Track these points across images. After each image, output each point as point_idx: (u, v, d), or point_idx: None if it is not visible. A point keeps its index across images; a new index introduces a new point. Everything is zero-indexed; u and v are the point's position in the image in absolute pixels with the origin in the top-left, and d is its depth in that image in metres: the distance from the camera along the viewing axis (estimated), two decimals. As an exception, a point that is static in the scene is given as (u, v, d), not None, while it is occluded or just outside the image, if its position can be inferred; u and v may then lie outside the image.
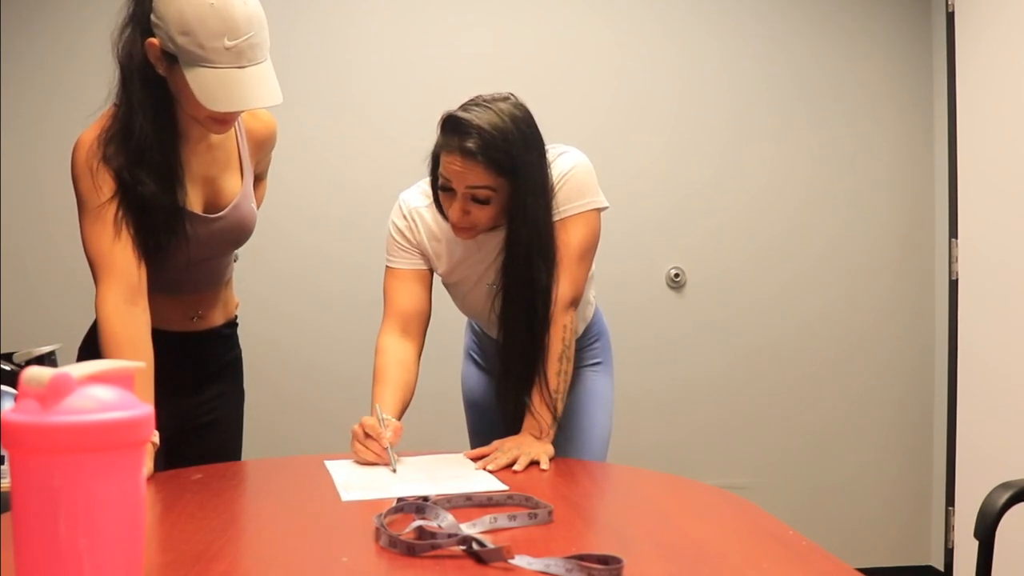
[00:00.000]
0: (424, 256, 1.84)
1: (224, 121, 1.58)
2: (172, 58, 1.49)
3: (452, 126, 1.65)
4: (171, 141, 1.59)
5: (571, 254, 1.77)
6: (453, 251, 1.82)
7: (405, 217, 1.83)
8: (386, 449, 1.60)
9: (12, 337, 2.89)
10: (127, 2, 1.55)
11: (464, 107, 1.67)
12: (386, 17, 3.32)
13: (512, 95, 1.71)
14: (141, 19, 1.51)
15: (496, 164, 1.63)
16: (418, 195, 1.85)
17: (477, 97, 1.69)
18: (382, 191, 3.15)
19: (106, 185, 1.55)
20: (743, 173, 3.44)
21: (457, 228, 1.72)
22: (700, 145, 3.42)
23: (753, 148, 3.44)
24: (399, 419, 1.69)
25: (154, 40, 1.49)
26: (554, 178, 1.75)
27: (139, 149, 1.55)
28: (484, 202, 1.67)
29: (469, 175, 1.64)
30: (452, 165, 1.64)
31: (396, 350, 1.79)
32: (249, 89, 1.50)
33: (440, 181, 1.69)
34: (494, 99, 1.68)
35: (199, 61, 1.46)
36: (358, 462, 1.63)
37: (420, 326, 1.83)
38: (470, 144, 1.61)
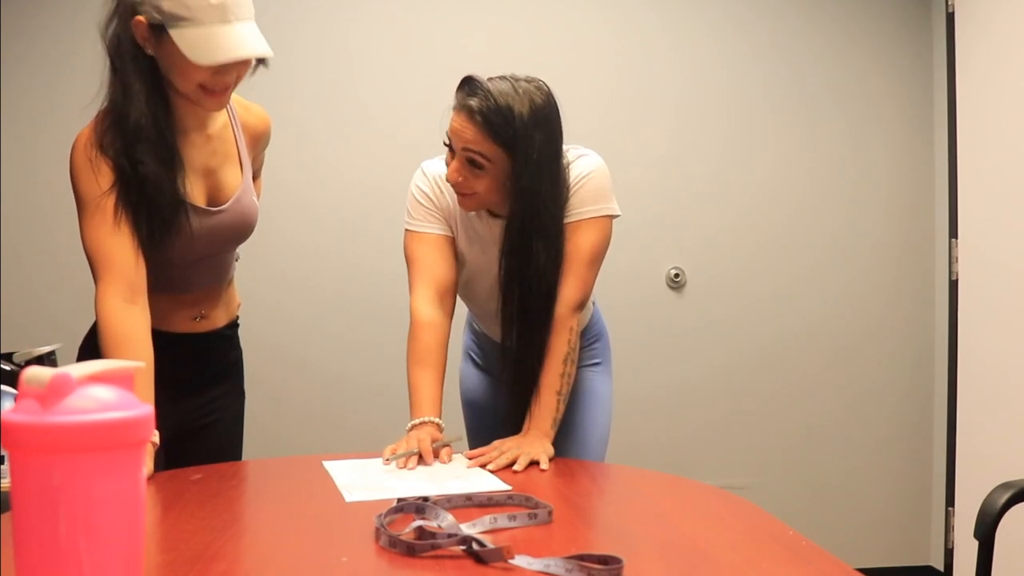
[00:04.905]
0: (448, 222, 1.83)
1: (215, 92, 1.56)
2: (159, 29, 1.50)
3: (464, 84, 1.68)
4: (166, 122, 1.58)
5: (582, 257, 1.77)
6: (467, 227, 1.82)
7: (429, 181, 1.82)
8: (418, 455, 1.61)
9: (12, 337, 2.89)
10: None
11: (488, 76, 1.68)
12: (387, 17, 3.32)
13: (542, 82, 1.70)
14: (125, 5, 1.53)
15: (492, 129, 1.63)
16: (441, 164, 1.82)
17: (503, 74, 1.69)
18: (383, 191, 3.16)
19: (104, 175, 1.55)
20: (743, 173, 3.44)
21: (457, 193, 1.73)
22: (700, 145, 3.42)
23: (753, 148, 3.44)
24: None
25: (140, 17, 1.50)
26: (571, 180, 1.75)
27: (136, 129, 1.54)
28: (479, 168, 1.67)
29: (465, 133, 1.65)
30: (454, 122, 1.67)
31: (437, 327, 1.76)
32: (237, 42, 1.50)
33: (444, 138, 1.71)
34: (517, 78, 1.69)
35: (185, 21, 1.47)
36: (393, 453, 1.65)
37: (452, 296, 1.82)
38: (472, 102, 1.64)
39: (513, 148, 1.65)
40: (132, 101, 1.54)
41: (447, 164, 1.75)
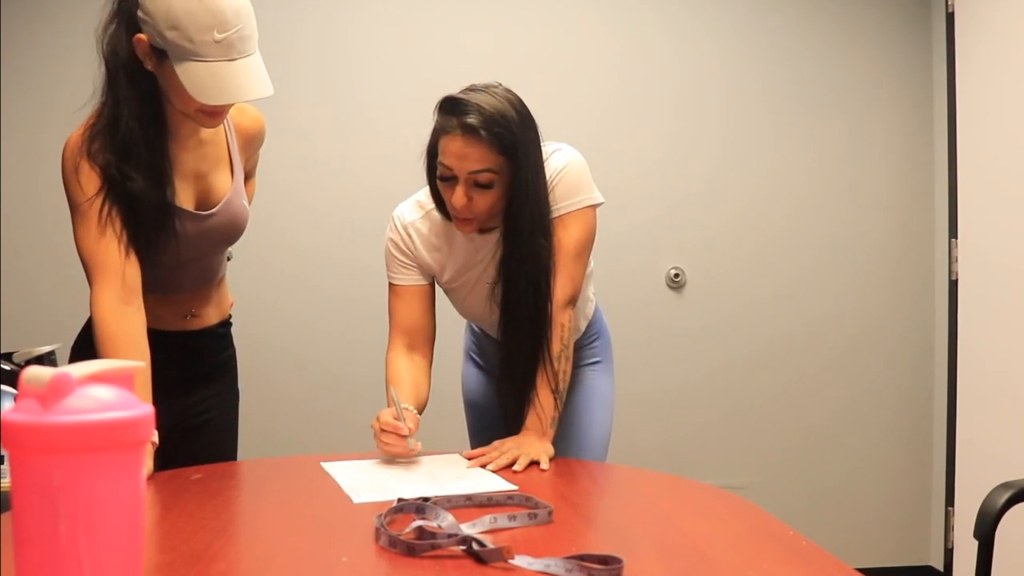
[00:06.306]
0: (423, 270, 1.83)
1: (214, 114, 1.57)
2: (161, 53, 1.49)
3: (451, 106, 1.64)
4: (158, 136, 1.58)
5: (567, 252, 1.76)
6: (456, 257, 1.82)
7: (400, 232, 1.82)
8: (404, 438, 1.62)
9: (12, 337, 2.89)
10: None
11: (461, 92, 1.67)
12: (386, 17, 3.32)
13: (500, 83, 1.70)
14: (127, 15, 1.51)
15: (498, 141, 1.61)
16: (412, 208, 1.84)
17: (470, 85, 1.68)
18: (380, 191, 3.16)
19: (91, 182, 1.55)
20: (743, 173, 3.44)
21: (459, 220, 1.70)
22: (700, 145, 3.42)
23: (753, 148, 3.44)
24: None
25: (142, 36, 1.49)
26: (548, 176, 1.75)
27: (125, 144, 1.54)
28: (487, 187, 1.65)
29: (471, 154, 1.62)
30: (453, 146, 1.62)
31: (404, 360, 1.81)
32: (240, 82, 1.49)
33: (439, 170, 1.67)
34: (487, 86, 1.68)
35: (189, 55, 1.46)
36: (386, 455, 1.65)
37: (425, 341, 1.84)
38: (471, 120, 1.60)
39: (516, 154, 1.64)
40: (124, 112, 1.54)
41: (426, 207, 1.78)
